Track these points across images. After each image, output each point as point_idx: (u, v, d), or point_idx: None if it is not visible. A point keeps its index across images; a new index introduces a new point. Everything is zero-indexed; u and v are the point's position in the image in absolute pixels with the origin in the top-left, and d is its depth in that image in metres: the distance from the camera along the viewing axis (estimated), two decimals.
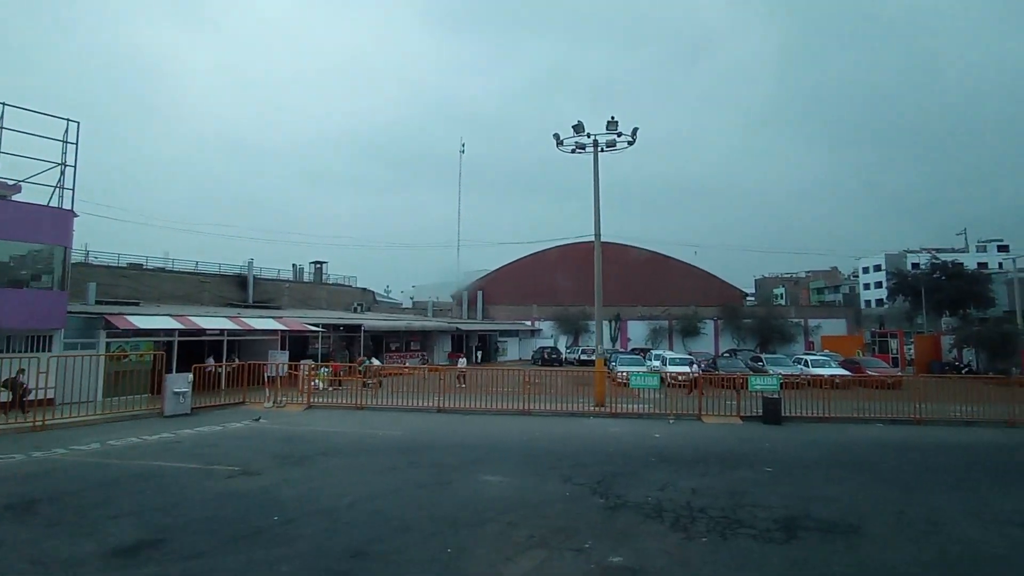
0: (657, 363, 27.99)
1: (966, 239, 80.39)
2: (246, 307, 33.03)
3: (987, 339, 33.86)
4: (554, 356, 41.06)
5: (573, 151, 20.71)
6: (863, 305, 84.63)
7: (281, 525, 7.45)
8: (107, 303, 25.39)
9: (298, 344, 28.51)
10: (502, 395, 18.73)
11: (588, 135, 19.92)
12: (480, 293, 53.08)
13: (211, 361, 21.37)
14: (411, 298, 69.27)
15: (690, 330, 47.43)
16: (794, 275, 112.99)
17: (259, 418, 16.36)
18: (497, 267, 55.72)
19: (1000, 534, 7.42)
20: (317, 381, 21.60)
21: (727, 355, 35.18)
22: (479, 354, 42.58)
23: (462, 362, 27.86)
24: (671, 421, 16.68)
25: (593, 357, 39.95)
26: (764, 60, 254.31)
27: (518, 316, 50.55)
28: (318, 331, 26.98)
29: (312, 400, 18.90)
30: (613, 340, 48.17)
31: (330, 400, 19.41)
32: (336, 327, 31.30)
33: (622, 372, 22.90)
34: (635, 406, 18.45)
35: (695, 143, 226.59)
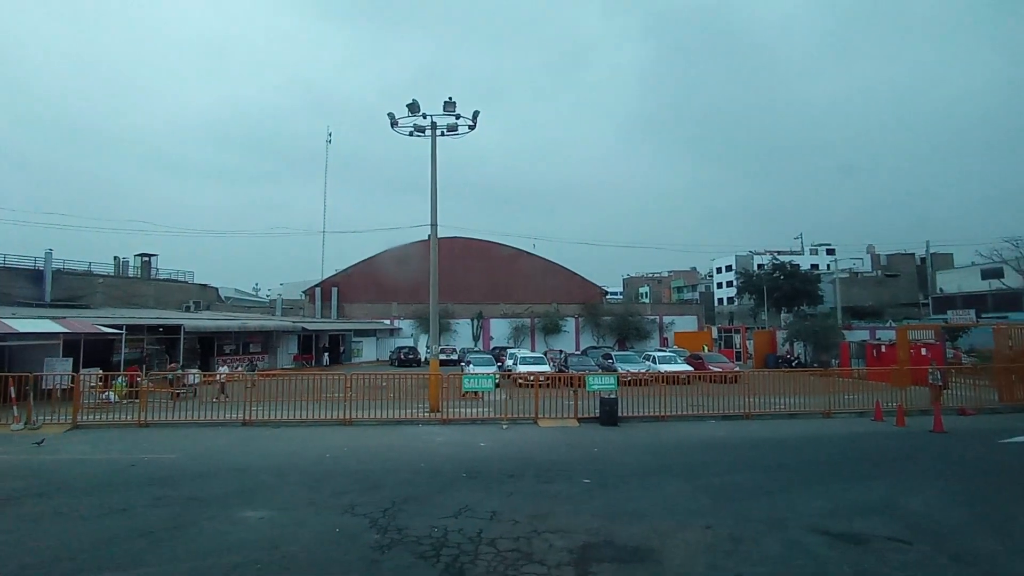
0: (510, 362, 27.07)
1: (802, 243, 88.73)
2: (39, 305, 27.89)
3: (812, 333, 36.70)
4: (411, 356, 39.08)
5: (411, 134, 19.02)
6: (716, 303, 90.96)
7: None
8: None
9: (101, 350, 24.24)
10: (322, 404, 16.61)
11: (424, 115, 18.29)
12: (335, 290, 49.58)
13: None
14: (273, 296, 63.89)
15: (552, 328, 47.54)
16: (657, 275, 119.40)
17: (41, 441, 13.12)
18: (354, 262, 52.32)
19: (801, 548, 6.75)
20: (110, 394, 18.20)
21: (578, 353, 35.14)
22: (327, 356, 39.53)
23: (223, 370, 23.30)
24: (504, 426, 15.53)
25: (453, 356, 38.96)
26: (637, 73, 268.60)
27: (377, 315, 47.95)
28: (117, 334, 22.89)
29: (86, 418, 15.65)
30: (476, 339, 47.20)
31: (111, 417, 16.20)
32: (152, 328, 27.18)
33: (477, 372, 21.60)
34: (472, 410, 17.16)
35: (572, 147, 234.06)
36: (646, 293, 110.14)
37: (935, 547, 6.76)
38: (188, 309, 37.20)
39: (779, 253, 79.17)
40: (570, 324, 49.10)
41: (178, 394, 18.36)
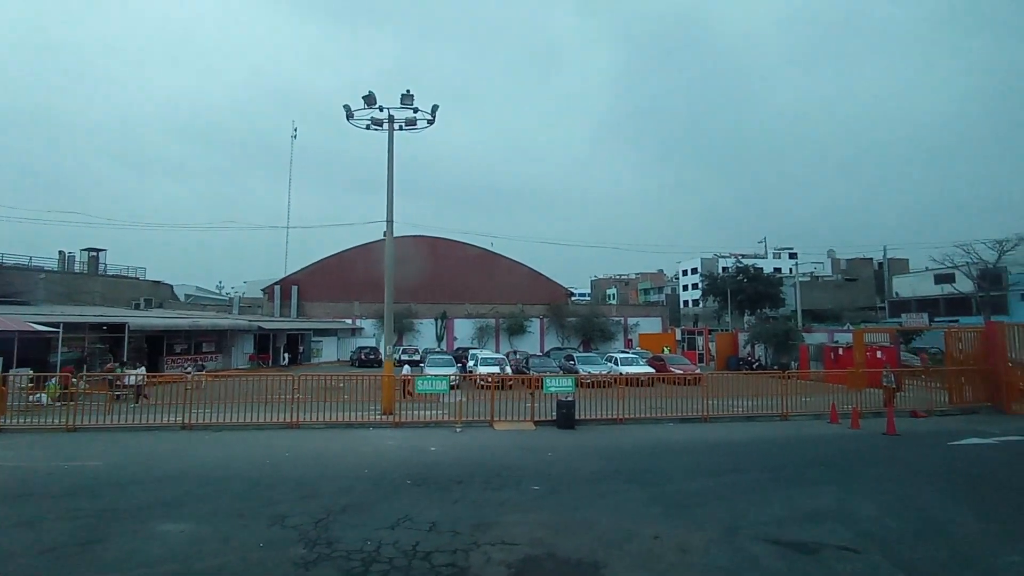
0: (471, 363, 26.60)
1: (766, 246, 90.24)
2: None
3: (773, 336, 37.12)
4: (372, 357, 38.23)
5: (368, 127, 18.42)
6: (682, 305, 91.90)
7: None
8: None
9: (38, 349, 22.93)
10: (269, 406, 15.90)
11: (381, 108, 17.72)
12: (295, 288, 48.30)
13: None
14: (237, 295, 62.02)
15: (516, 329, 47.13)
16: (625, 276, 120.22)
17: None
18: (316, 260, 51.02)
19: (750, 559, 6.49)
20: (41, 396, 17.18)
21: (540, 355, 34.75)
22: (287, 356, 38.42)
23: (139, 370, 20.28)
24: (458, 429, 15.06)
25: (415, 357, 38.26)
26: (609, 76, 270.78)
27: (338, 314, 46.87)
28: (53, 332, 21.66)
29: (12, 422, 14.67)
30: (440, 339, 46.56)
31: (39, 421, 15.20)
32: (95, 327, 25.90)
33: (432, 374, 20.99)
34: (427, 413, 16.66)
35: (544, 148, 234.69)
36: (613, 295, 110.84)
37: (884, 555, 6.58)
38: (138, 307, 35.72)
39: (743, 256, 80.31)
40: (535, 325, 48.76)
41: (117, 396, 17.41)
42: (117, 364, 20.74)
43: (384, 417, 16.32)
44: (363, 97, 17.38)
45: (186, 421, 14.89)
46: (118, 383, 17.83)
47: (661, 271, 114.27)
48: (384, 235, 18.24)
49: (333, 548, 6.78)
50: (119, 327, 25.75)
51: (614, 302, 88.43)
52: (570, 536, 7.24)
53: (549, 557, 6.60)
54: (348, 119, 18.01)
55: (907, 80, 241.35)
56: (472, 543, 6.96)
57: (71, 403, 15.46)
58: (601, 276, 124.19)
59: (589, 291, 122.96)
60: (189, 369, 25.20)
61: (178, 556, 6.56)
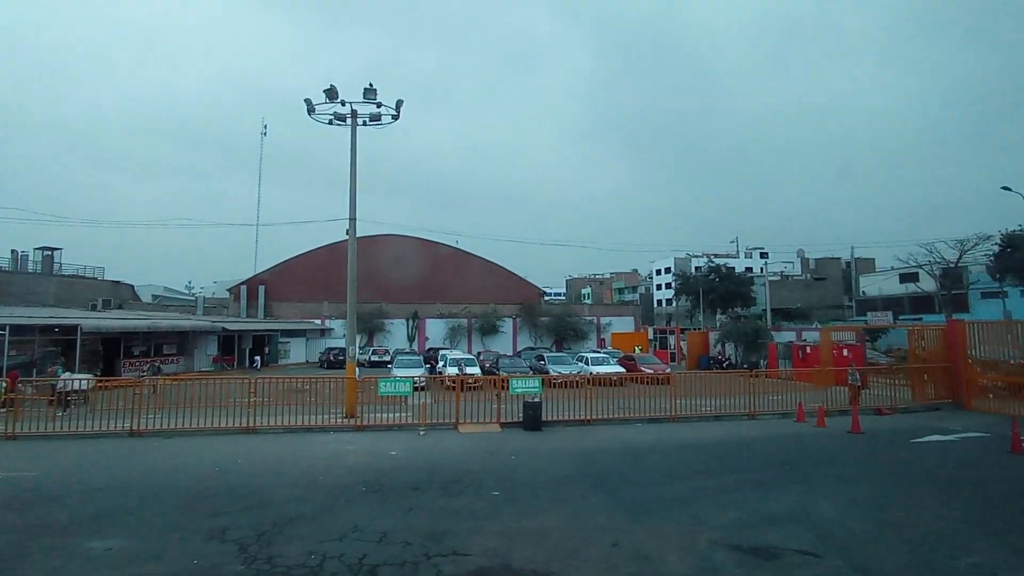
0: (440, 364, 26.18)
1: (738, 246, 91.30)
2: None
3: (743, 334, 37.34)
4: (341, 358, 37.41)
5: (330, 122, 17.92)
6: (656, 304, 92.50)
7: None
8: None
9: None
10: (227, 410, 15.31)
11: (343, 102, 17.23)
12: (262, 288, 47.17)
13: None
14: (207, 295, 60.35)
15: (489, 329, 46.73)
16: (600, 276, 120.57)
17: None
18: (284, 259, 49.95)
19: (709, 566, 6.27)
20: None
21: (510, 355, 34.35)
22: (257, 359, 37.35)
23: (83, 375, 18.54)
24: (421, 432, 14.68)
25: (386, 358, 37.65)
26: (585, 77, 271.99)
27: (307, 314, 45.92)
28: None
29: None
30: (411, 339, 45.96)
31: None
32: (46, 329, 24.83)
33: (399, 375, 20.52)
34: (392, 416, 16.23)
35: (520, 148, 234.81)
36: (588, 294, 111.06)
37: (844, 559, 6.42)
38: (95, 308, 34.48)
39: (716, 256, 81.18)
40: (507, 325, 48.41)
41: (62, 401, 16.59)
42: (59, 366, 19.85)
43: (347, 420, 15.86)
44: (324, 91, 16.89)
45: (135, 428, 14.23)
46: (61, 388, 16.98)
47: (635, 271, 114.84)
48: (347, 232, 17.72)
49: (273, 564, 6.39)
50: (71, 329, 24.74)
51: (589, 301, 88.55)
52: (526, 545, 6.95)
53: (502, 568, 6.31)
54: (309, 113, 17.48)
55: (870, 85, 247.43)
56: (423, 555, 6.62)
57: (12, 409, 14.69)
58: (576, 276, 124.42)
59: (564, 291, 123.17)
60: (146, 371, 24.32)
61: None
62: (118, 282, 40.43)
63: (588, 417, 16.30)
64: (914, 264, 50.60)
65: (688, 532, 7.38)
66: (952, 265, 47.63)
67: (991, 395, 18.98)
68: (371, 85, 17.03)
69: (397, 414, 16.36)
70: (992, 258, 44.16)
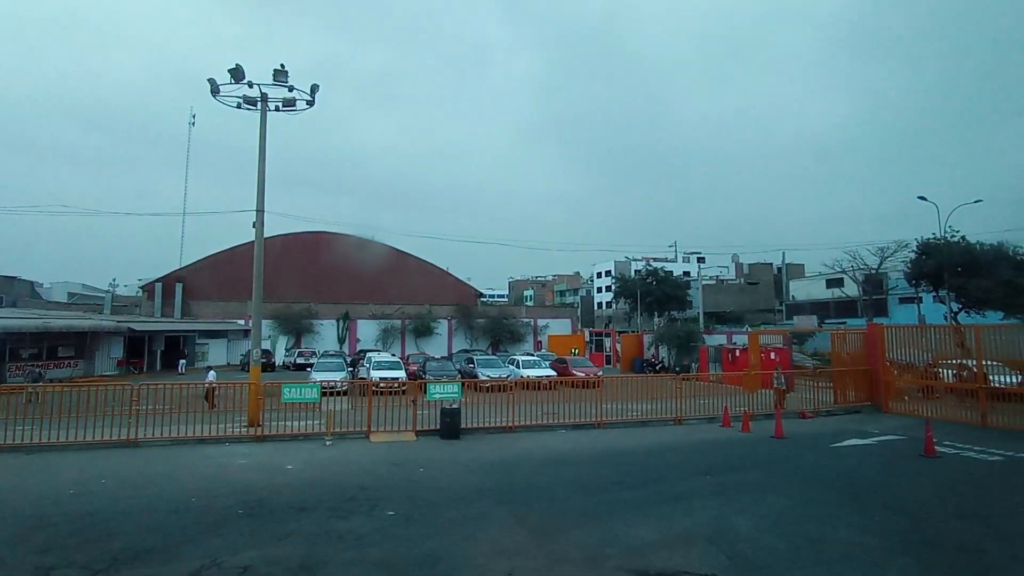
0: (364, 367, 24.90)
1: (676, 250, 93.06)
2: None
3: (676, 337, 37.61)
4: (265, 360, 35.46)
5: (238, 106, 16.52)
6: (596, 307, 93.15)
7: None
8: None
9: None
10: (107, 419, 13.71)
11: (251, 84, 15.88)
12: (179, 286, 44.22)
13: None
14: (109, 293, 56.22)
15: (423, 330, 45.46)
16: (542, 278, 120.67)
17: None
18: (203, 256, 46.91)
19: None
20: None
21: (438, 358, 33.20)
22: (182, 362, 34.74)
23: None
24: (328, 442, 13.53)
25: (312, 360, 35.86)
26: (532, 81, 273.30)
27: (229, 314, 43.39)
28: None
29: None
30: (341, 341, 44.19)
31: None
32: None
33: (318, 380, 19.20)
34: (299, 424, 14.98)
35: (468, 150, 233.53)
36: (530, 296, 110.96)
37: None
38: None
39: (654, 259, 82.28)
40: (443, 326, 47.24)
41: None
42: None
43: (248, 430, 14.52)
44: (229, 71, 15.48)
45: None
46: None
47: (578, 273, 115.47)
48: (253, 226, 16.33)
49: None
50: None
51: (530, 303, 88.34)
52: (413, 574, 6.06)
53: None
54: (213, 95, 16.01)
55: (802, 98, 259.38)
56: None
57: None
58: (519, 278, 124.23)
59: (507, 292, 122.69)
60: (25, 377, 22.03)
61: None
62: (12, 277, 36.91)
63: (511, 424, 15.54)
64: (839, 270, 52.54)
65: (594, 556, 6.68)
66: (873, 271, 49.67)
67: (906, 397, 19.43)
68: (282, 67, 15.80)
69: (305, 422, 15.13)
70: (909, 264, 46.24)
